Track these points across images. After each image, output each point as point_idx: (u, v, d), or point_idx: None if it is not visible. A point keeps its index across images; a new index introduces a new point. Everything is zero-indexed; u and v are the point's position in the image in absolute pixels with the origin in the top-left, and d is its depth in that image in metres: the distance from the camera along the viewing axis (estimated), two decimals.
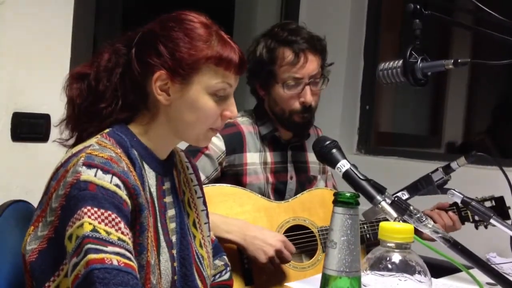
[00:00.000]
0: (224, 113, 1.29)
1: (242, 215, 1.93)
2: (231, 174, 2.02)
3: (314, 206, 2.02)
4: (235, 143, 2.02)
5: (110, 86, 1.27)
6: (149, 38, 1.26)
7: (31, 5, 2.07)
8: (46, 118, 2.07)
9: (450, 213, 2.01)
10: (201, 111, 1.25)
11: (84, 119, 1.27)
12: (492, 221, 1.51)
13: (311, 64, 2.00)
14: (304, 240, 1.96)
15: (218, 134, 1.99)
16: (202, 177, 1.95)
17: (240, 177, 2.02)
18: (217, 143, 2.00)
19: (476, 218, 2.02)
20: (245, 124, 2.08)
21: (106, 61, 1.28)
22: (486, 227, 2.02)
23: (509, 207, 2.01)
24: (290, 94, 2.00)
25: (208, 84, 1.24)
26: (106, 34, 2.50)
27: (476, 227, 2.02)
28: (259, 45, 2.06)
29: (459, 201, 1.52)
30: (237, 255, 1.88)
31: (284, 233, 1.95)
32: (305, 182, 2.17)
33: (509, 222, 1.55)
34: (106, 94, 1.26)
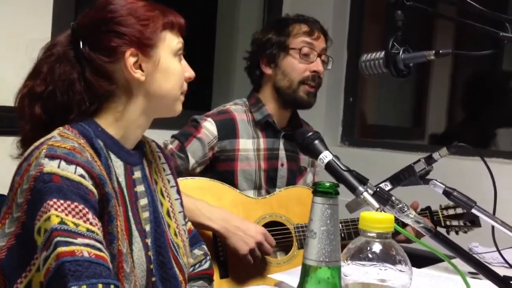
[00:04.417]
0: (185, 75, 1.34)
1: None
2: (223, 160, 2.03)
3: (291, 203, 2.03)
4: (227, 129, 2.04)
5: (74, 95, 1.24)
6: (97, 27, 1.25)
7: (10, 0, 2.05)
8: None
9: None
10: (174, 75, 1.30)
11: (52, 129, 1.23)
12: (474, 210, 1.52)
13: (322, 41, 2.10)
14: (280, 237, 1.96)
15: (210, 119, 2.03)
16: (192, 161, 1.98)
17: (231, 163, 2.03)
18: (210, 128, 2.01)
19: (448, 223, 2.06)
20: (238, 112, 2.09)
21: (60, 73, 1.24)
22: (457, 233, 2.06)
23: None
24: (304, 61, 2.05)
25: (171, 46, 1.30)
26: None
27: (448, 232, 2.05)
28: (266, 30, 2.14)
29: (440, 191, 1.52)
30: (212, 248, 1.87)
31: None
32: (296, 172, 2.17)
33: (490, 211, 1.55)
34: (72, 103, 1.24)
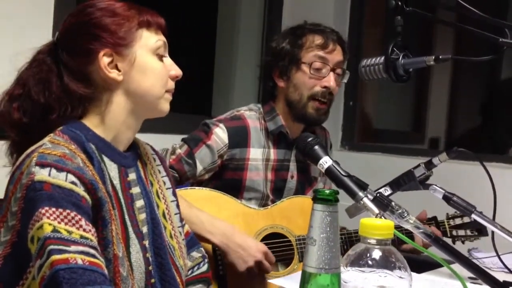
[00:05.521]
0: (170, 73, 1.33)
1: None
2: (232, 168, 1.99)
3: (293, 214, 1.97)
4: (239, 137, 1.99)
5: (50, 95, 1.25)
6: (73, 32, 1.28)
7: (11, 2, 2.05)
8: None
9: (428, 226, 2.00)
10: (153, 73, 1.30)
11: (36, 133, 1.24)
12: (473, 216, 1.52)
13: (338, 53, 2.02)
14: (281, 249, 1.92)
15: (222, 126, 1.99)
16: (199, 168, 1.94)
17: (240, 172, 1.99)
18: (221, 135, 1.97)
19: (454, 233, 2.04)
20: (252, 119, 2.05)
21: (35, 74, 1.27)
22: (463, 242, 2.04)
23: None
24: (314, 76, 1.98)
25: (149, 45, 1.29)
26: None
27: (454, 242, 2.03)
28: (281, 38, 2.07)
29: (440, 197, 1.52)
30: (212, 262, 1.83)
31: (261, 240, 1.90)
32: (305, 183, 2.14)
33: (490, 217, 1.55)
34: (52, 104, 1.25)
